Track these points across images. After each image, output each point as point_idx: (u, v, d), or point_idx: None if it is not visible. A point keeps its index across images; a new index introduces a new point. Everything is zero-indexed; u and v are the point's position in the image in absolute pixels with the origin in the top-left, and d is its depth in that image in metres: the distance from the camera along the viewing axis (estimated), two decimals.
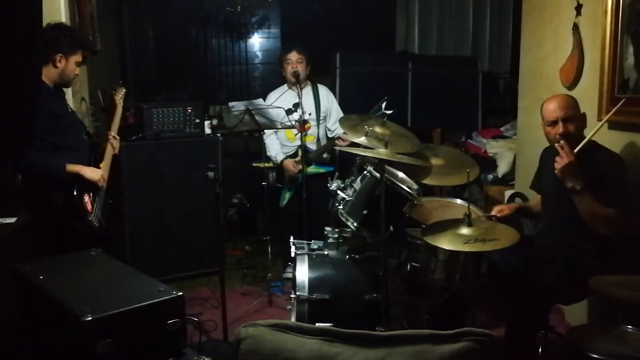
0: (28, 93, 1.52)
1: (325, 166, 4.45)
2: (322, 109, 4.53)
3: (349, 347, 1.47)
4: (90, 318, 1.85)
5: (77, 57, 3.16)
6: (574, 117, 2.87)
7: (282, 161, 4.43)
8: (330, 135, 4.61)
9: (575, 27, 3.50)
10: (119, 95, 3.64)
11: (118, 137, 3.54)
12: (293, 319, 2.87)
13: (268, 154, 4.46)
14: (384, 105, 3.11)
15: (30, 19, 1.46)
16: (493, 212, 3.16)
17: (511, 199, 4.24)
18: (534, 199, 3.33)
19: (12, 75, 1.41)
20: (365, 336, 1.49)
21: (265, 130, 4.29)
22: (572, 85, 3.58)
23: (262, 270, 4.59)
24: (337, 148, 4.27)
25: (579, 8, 3.48)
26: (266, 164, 4.36)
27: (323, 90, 4.61)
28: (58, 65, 3.07)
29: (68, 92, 3.66)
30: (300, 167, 4.26)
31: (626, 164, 2.87)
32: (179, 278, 4.32)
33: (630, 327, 2.41)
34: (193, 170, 4.37)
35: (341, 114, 4.51)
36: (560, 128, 2.84)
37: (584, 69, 3.48)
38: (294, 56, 4.40)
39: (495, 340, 1.48)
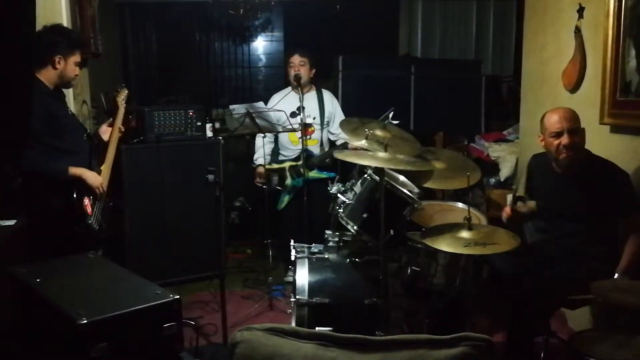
0: (21, 95, 1.51)
1: (327, 172, 4.44)
2: (327, 113, 4.52)
3: (344, 352, 1.46)
4: (85, 321, 1.85)
5: (76, 58, 3.16)
6: (578, 129, 2.87)
7: (257, 166, 4.49)
8: (332, 139, 4.60)
9: (577, 30, 3.48)
10: (122, 97, 3.63)
11: (123, 127, 3.56)
12: (293, 323, 2.86)
13: (255, 152, 4.47)
14: (391, 115, 3.09)
15: (23, 22, 1.45)
16: (505, 214, 3.13)
17: (513, 203, 4.22)
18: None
19: (5, 77, 1.40)
20: (362, 341, 1.47)
21: (264, 135, 4.29)
22: (574, 88, 3.56)
23: (263, 273, 4.58)
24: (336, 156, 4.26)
25: (581, 11, 3.46)
26: (268, 166, 4.35)
27: (327, 95, 4.61)
28: (57, 66, 3.07)
29: (69, 95, 3.66)
30: (263, 181, 4.39)
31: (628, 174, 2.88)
32: (179, 281, 4.31)
33: (632, 332, 2.38)
34: (194, 173, 4.36)
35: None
36: (565, 139, 2.83)
37: (585, 72, 3.47)
38: (296, 59, 4.40)
39: (493, 345, 1.46)
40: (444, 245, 2.58)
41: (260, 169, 4.46)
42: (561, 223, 3.01)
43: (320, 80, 4.79)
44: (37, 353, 2.25)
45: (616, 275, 2.68)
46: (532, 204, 3.22)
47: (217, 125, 4.93)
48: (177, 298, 2.06)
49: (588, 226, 2.87)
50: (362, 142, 2.90)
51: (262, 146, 4.44)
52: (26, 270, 2.34)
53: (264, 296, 4.17)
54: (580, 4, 3.46)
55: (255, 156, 4.54)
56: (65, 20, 3.73)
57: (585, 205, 2.89)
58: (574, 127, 2.84)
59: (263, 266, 4.71)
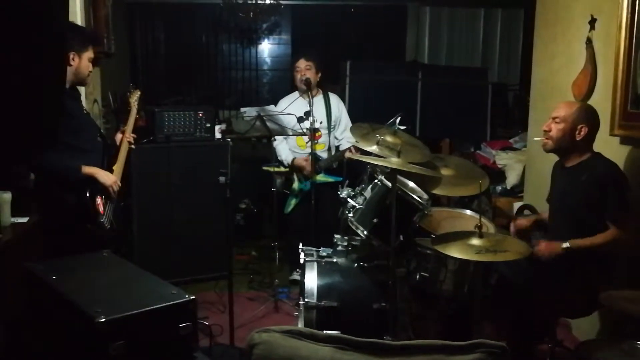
0: (53, 94, 1.52)
1: (334, 175, 4.45)
2: (333, 117, 4.54)
3: (362, 356, 1.47)
4: (103, 319, 1.86)
5: (90, 54, 3.15)
6: (559, 118, 2.93)
7: (293, 160, 4.47)
8: (336, 144, 4.62)
9: (589, 42, 3.51)
10: (134, 98, 3.66)
11: (134, 134, 3.58)
12: (300, 326, 2.87)
13: (279, 159, 4.48)
14: (398, 120, 3.12)
15: (55, 21, 1.47)
16: (512, 229, 3.17)
17: (520, 210, 4.24)
18: (545, 211, 3.33)
19: (37, 76, 1.42)
20: (379, 345, 1.49)
21: (275, 137, 4.31)
22: (585, 99, 3.57)
23: (269, 275, 4.60)
24: (348, 155, 4.27)
25: (592, 22, 3.49)
26: (275, 169, 4.37)
27: (334, 98, 4.61)
28: (72, 63, 3.06)
29: (82, 94, 3.68)
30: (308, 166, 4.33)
31: (625, 175, 2.88)
32: (185, 281, 4.32)
33: (638, 342, 2.40)
34: (203, 174, 4.38)
35: (350, 124, 4.52)
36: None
37: (596, 84, 3.48)
38: (302, 63, 4.41)
39: (508, 352, 1.48)
40: (456, 252, 2.59)
41: (298, 159, 4.47)
42: (564, 227, 3.00)
43: (328, 85, 4.81)
44: (53, 350, 2.27)
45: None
46: (531, 218, 3.26)
47: (223, 127, 4.95)
48: (193, 298, 2.08)
49: (579, 226, 2.87)
50: (374, 148, 2.92)
51: (286, 146, 4.50)
52: (42, 267, 2.35)
53: (269, 298, 4.19)
54: (592, 16, 3.49)
55: (284, 157, 4.50)
56: (79, 20, 3.76)
57: (574, 199, 2.90)
58: (555, 115, 2.95)
59: (268, 268, 4.73)
